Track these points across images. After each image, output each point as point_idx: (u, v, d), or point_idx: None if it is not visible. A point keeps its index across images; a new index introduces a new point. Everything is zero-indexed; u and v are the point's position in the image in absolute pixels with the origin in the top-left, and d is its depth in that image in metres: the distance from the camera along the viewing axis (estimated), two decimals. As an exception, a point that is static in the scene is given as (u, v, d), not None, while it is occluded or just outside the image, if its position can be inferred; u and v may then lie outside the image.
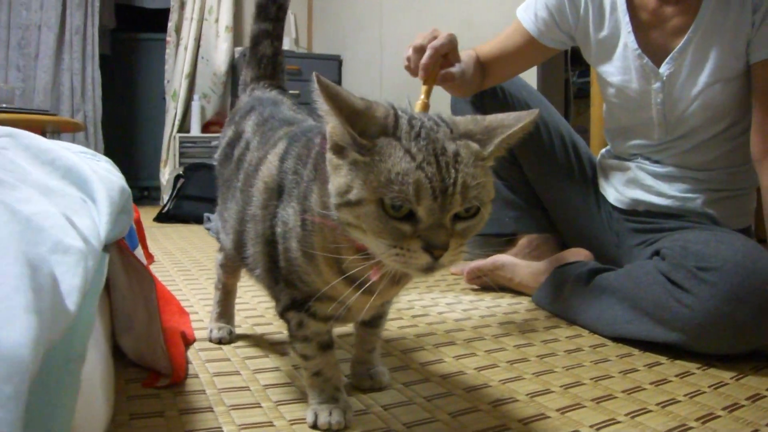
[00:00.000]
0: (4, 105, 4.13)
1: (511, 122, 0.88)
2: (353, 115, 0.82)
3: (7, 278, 0.49)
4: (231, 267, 1.51)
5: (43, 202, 0.79)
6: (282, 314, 1.09)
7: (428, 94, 1.47)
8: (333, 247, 0.94)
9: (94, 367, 0.85)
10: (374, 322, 1.22)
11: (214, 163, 1.43)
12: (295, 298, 1.05)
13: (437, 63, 1.60)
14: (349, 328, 1.56)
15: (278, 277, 1.06)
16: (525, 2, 1.92)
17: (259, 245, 1.08)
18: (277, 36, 1.49)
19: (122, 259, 1.19)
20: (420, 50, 1.58)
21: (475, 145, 0.85)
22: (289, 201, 1.00)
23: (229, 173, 1.28)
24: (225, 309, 1.56)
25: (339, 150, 0.85)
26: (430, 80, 1.56)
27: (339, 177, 0.84)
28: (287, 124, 1.20)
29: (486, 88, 2.00)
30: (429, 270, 0.83)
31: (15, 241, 0.55)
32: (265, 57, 1.48)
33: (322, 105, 0.82)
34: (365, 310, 1.07)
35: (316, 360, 1.08)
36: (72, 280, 0.65)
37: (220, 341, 1.50)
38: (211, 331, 1.52)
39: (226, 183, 1.31)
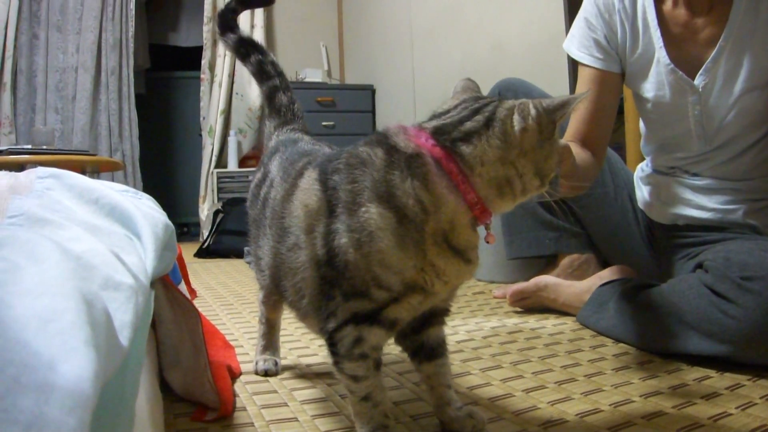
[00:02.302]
0: (44, 147, 4.22)
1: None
2: None
3: (65, 313, 0.50)
4: (273, 303, 1.52)
5: (91, 240, 0.80)
6: (335, 332, 1.04)
7: None
8: (448, 226, 0.99)
9: (144, 403, 0.86)
10: (436, 350, 1.16)
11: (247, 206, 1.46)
12: (358, 312, 1.02)
13: None
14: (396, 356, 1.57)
15: (334, 295, 1.03)
16: (574, 45, 1.89)
17: (308, 270, 1.06)
18: (286, 87, 1.56)
19: (167, 295, 1.21)
20: None
21: None
22: (359, 208, 0.99)
23: (257, 212, 1.30)
24: (270, 342, 1.56)
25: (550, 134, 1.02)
26: None
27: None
28: (305, 155, 1.22)
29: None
30: None
31: (68, 278, 0.56)
32: (283, 106, 1.54)
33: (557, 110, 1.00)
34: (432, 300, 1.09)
35: (367, 381, 1.04)
36: (124, 316, 0.66)
37: (267, 373, 1.51)
38: (257, 363, 1.53)
39: (254, 223, 1.33)
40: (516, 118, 0.99)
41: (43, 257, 0.59)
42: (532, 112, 0.99)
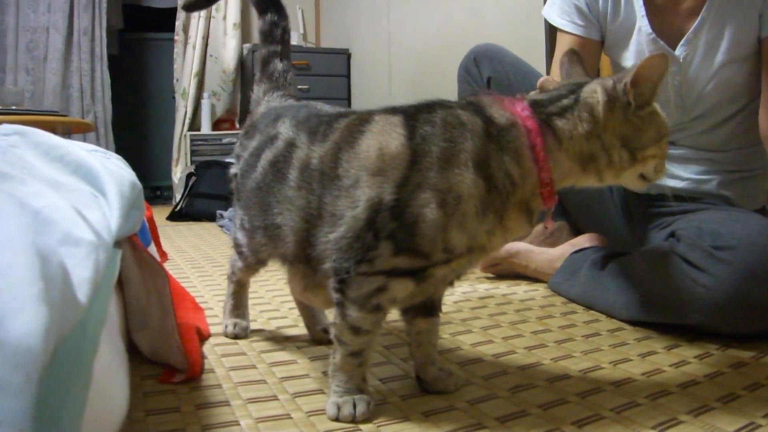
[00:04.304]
0: (14, 107, 4.16)
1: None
2: None
3: (15, 269, 0.48)
4: (251, 271, 1.46)
5: (53, 195, 0.78)
6: (359, 275, 1.01)
7: None
8: (530, 195, 1.04)
9: (109, 363, 0.84)
10: (435, 308, 1.18)
11: (234, 175, 1.39)
12: (403, 268, 1.00)
13: None
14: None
15: (377, 246, 0.99)
16: (555, 12, 1.88)
17: (358, 210, 1.01)
18: (285, 55, 1.52)
19: (135, 255, 1.19)
20: None
21: None
22: (452, 168, 0.99)
23: (264, 180, 1.22)
24: (239, 302, 1.54)
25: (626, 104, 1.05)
26: None
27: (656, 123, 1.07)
28: (342, 115, 1.17)
29: None
30: None
31: (24, 232, 0.55)
32: (276, 71, 1.50)
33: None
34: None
35: (367, 337, 1.03)
36: (82, 272, 0.64)
37: (236, 336, 1.50)
38: (226, 326, 1.52)
39: (256, 192, 1.24)
40: (599, 89, 1.04)
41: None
42: (609, 83, 1.04)
